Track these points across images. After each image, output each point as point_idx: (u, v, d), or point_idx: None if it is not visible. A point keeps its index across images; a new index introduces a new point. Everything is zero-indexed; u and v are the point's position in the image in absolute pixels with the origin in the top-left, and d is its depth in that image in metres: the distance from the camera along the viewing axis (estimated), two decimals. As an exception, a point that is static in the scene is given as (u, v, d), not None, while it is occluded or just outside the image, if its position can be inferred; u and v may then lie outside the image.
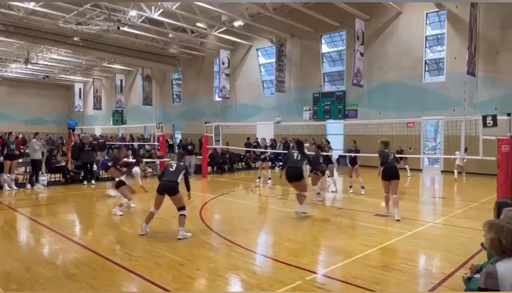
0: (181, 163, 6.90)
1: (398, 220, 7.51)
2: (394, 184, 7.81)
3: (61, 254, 5.56)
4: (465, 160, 13.21)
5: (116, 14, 21.17)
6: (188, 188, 6.75)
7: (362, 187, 11.18)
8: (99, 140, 23.54)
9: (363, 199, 10.54)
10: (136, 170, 8.86)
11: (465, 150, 13.09)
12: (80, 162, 13.34)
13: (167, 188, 6.49)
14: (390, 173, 7.82)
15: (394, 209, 7.78)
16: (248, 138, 21.38)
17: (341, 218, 8.21)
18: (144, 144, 20.88)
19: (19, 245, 6.24)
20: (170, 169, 6.64)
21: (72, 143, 17.67)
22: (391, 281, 4.50)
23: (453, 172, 15.11)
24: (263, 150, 16.81)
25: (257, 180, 14.00)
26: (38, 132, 12.79)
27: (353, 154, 11.53)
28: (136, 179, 8.93)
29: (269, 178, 13.85)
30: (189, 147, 16.31)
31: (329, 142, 14.37)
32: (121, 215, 8.19)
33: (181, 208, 6.49)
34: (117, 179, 9.04)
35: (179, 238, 6.19)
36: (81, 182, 13.00)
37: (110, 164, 10.88)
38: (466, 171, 15.36)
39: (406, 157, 15.85)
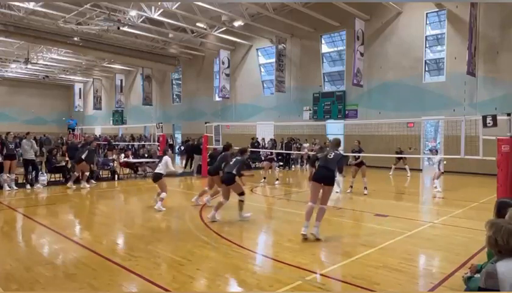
0: (239, 158, 7.79)
1: (319, 240, 6.11)
2: (325, 190, 6.28)
3: (61, 254, 5.55)
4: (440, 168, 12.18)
5: (116, 14, 21.18)
6: (240, 175, 7.77)
7: (365, 188, 11.16)
8: (110, 140, 23.62)
9: (363, 199, 10.54)
10: (165, 158, 9.13)
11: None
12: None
13: (224, 179, 7.62)
14: (320, 175, 6.27)
15: (315, 224, 6.18)
16: (253, 139, 21.40)
17: (341, 218, 8.21)
18: (144, 144, 20.88)
19: (19, 245, 6.24)
20: (230, 163, 7.81)
21: (69, 143, 17.69)
22: (391, 281, 4.50)
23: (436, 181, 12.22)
24: (272, 150, 16.77)
25: (262, 180, 13.95)
26: (28, 132, 12.74)
27: (357, 154, 11.49)
28: (170, 167, 9.25)
29: (277, 179, 13.84)
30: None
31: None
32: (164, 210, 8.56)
33: (240, 194, 7.55)
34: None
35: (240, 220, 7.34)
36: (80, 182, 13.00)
37: (83, 157, 12.13)
38: (467, 171, 15.34)
39: (405, 157, 15.85)
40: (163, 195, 8.71)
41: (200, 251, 5.56)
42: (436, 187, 11.88)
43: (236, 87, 27.70)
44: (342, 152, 6.72)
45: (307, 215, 6.23)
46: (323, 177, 6.25)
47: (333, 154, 6.42)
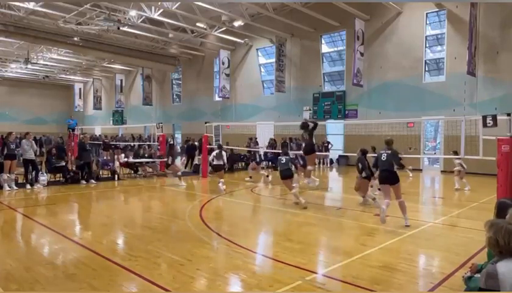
0: (288, 156, 9.58)
1: (408, 226, 7.02)
2: (394, 189, 7.21)
3: (61, 254, 5.56)
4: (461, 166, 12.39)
5: (116, 14, 21.16)
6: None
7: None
8: (105, 140, 23.56)
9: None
10: (224, 153, 12.21)
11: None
12: (79, 162, 13.47)
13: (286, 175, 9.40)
14: (383, 177, 7.29)
15: (404, 217, 7.25)
16: (251, 139, 21.42)
17: (341, 218, 8.21)
18: (150, 145, 20.72)
19: (19, 245, 6.24)
20: (282, 161, 9.50)
21: (58, 143, 17.73)
22: (391, 281, 4.50)
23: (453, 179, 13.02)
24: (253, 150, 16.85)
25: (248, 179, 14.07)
26: (28, 132, 12.77)
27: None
28: (224, 159, 12.16)
29: (267, 176, 13.67)
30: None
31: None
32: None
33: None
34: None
35: None
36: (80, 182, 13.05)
37: (170, 162, 13.51)
38: (467, 171, 15.28)
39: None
40: (222, 180, 11.69)
41: (200, 251, 5.55)
42: (466, 187, 12.01)
43: (236, 87, 27.69)
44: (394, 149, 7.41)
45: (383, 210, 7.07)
46: (387, 178, 7.18)
47: (386, 154, 7.25)
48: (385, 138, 7.74)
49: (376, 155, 7.93)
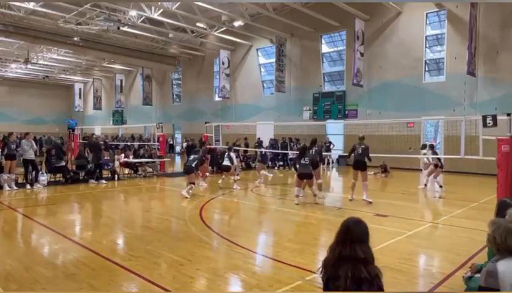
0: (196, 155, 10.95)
1: (370, 202, 9.30)
2: (361, 173, 9.62)
3: (61, 254, 5.56)
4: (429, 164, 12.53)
5: (116, 14, 21.16)
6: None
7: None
8: (105, 140, 23.61)
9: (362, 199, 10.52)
10: (232, 154, 12.38)
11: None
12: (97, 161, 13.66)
13: (187, 170, 10.69)
14: (355, 164, 9.68)
15: (364, 194, 9.46)
16: (246, 138, 21.43)
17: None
18: (155, 146, 20.70)
19: (19, 245, 6.24)
20: (190, 158, 10.97)
21: (54, 143, 17.72)
22: (391, 281, 4.49)
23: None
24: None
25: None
26: (28, 133, 12.79)
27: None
28: (234, 161, 12.50)
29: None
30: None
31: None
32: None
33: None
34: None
35: None
36: (82, 182, 13.05)
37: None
38: (467, 171, 15.32)
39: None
40: (236, 177, 12.40)
41: (200, 251, 5.55)
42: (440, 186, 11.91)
43: (236, 87, 27.69)
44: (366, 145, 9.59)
45: (352, 188, 9.74)
46: (358, 166, 9.60)
47: (361, 148, 9.47)
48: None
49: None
